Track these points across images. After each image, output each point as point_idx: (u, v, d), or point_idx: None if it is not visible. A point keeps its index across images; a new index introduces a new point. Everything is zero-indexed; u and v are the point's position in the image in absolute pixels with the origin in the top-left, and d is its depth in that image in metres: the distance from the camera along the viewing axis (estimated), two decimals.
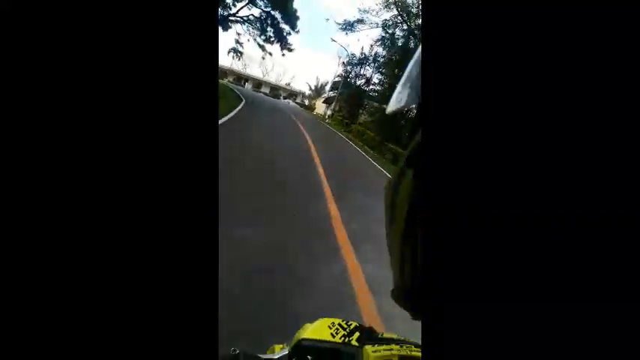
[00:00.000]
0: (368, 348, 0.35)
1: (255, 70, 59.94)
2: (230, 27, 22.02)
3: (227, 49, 22.69)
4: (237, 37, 22.10)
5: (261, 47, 21.51)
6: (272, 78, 58.45)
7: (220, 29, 22.21)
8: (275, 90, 50.87)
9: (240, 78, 48.76)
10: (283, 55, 20.95)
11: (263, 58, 23.66)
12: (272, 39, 20.41)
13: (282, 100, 43.53)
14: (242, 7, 19.84)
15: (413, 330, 0.24)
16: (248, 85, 47.98)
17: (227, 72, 46.46)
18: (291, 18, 19.43)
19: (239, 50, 23.32)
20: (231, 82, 39.46)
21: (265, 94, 44.38)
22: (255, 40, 21.21)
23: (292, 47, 20.72)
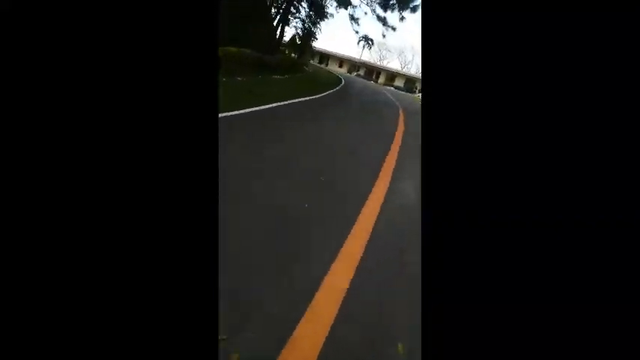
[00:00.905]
0: None
1: (393, 63, 53.93)
2: (350, 2, 17.48)
3: (357, 39, 18.57)
4: (352, 12, 17.25)
5: (381, 20, 15.91)
6: (412, 70, 51.16)
7: (338, 8, 18.07)
8: (410, 83, 43.68)
9: (372, 71, 43.97)
10: (402, 18, 14.71)
11: (384, 36, 18.02)
12: (392, 2, 14.45)
13: (416, 94, 36.15)
14: None
15: (413, 329, 0.24)
16: (382, 79, 42.77)
17: (358, 65, 42.55)
18: None
19: (369, 38, 18.81)
20: (361, 76, 35.49)
21: (398, 87, 38.07)
22: (373, 11, 15.82)
23: (417, 4, 14.17)
